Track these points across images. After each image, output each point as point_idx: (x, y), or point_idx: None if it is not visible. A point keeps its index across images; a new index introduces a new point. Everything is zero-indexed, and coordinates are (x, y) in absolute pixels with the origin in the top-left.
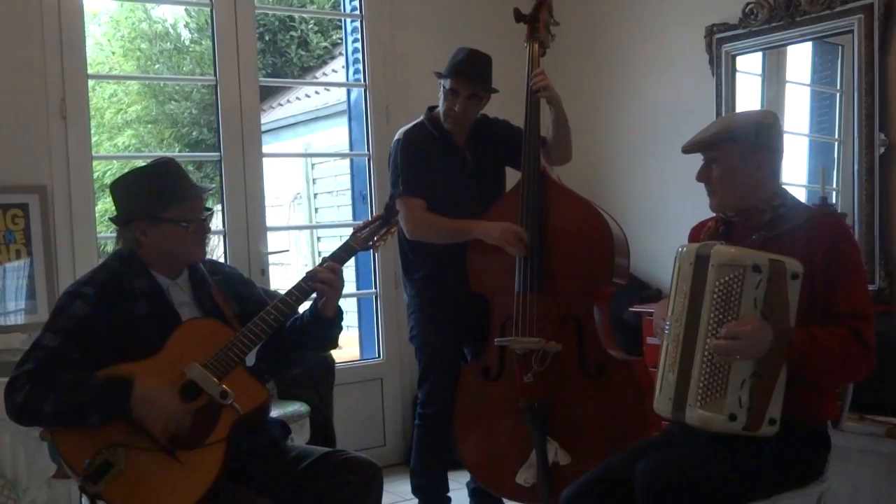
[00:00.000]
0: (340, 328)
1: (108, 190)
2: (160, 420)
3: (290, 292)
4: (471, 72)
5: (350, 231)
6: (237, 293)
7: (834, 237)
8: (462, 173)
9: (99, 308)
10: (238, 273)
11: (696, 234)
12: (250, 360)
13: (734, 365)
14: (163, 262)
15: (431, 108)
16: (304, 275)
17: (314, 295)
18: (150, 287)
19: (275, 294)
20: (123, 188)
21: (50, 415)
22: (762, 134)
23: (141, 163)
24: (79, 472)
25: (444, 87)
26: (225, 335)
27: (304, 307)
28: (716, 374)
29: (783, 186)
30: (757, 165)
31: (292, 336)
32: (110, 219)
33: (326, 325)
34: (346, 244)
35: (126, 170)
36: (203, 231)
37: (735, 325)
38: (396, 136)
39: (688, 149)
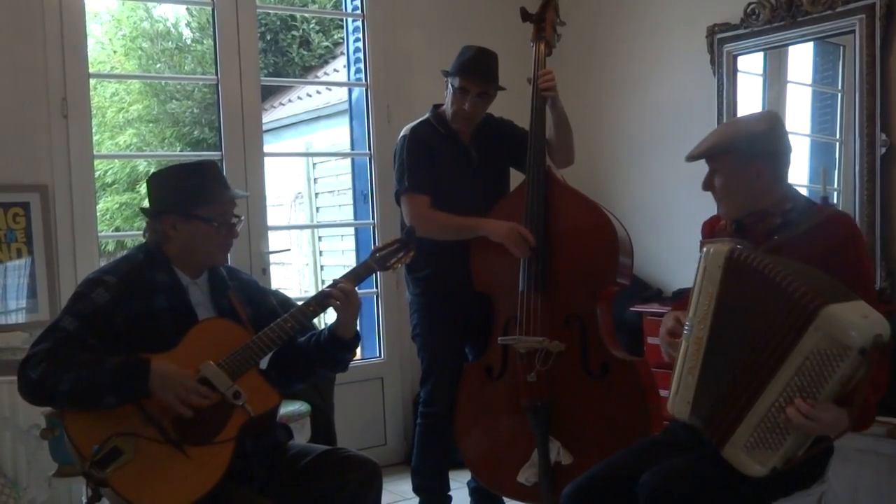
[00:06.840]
0: (353, 353)
1: (145, 182)
2: (179, 396)
3: (307, 303)
4: (480, 70)
5: (351, 231)
6: (252, 299)
7: (845, 241)
8: (467, 170)
9: (119, 297)
10: (255, 281)
11: (709, 229)
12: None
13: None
14: (186, 259)
15: (437, 106)
16: (322, 289)
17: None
18: (171, 282)
19: (291, 303)
20: (161, 181)
21: (65, 394)
22: (757, 143)
23: (145, 162)
24: (87, 456)
25: (452, 85)
26: (241, 337)
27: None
28: (775, 432)
29: (792, 187)
30: (756, 174)
31: (306, 349)
32: (142, 209)
33: (341, 346)
34: (364, 263)
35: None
36: (231, 235)
37: (820, 408)
38: (402, 133)
39: (690, 159)
